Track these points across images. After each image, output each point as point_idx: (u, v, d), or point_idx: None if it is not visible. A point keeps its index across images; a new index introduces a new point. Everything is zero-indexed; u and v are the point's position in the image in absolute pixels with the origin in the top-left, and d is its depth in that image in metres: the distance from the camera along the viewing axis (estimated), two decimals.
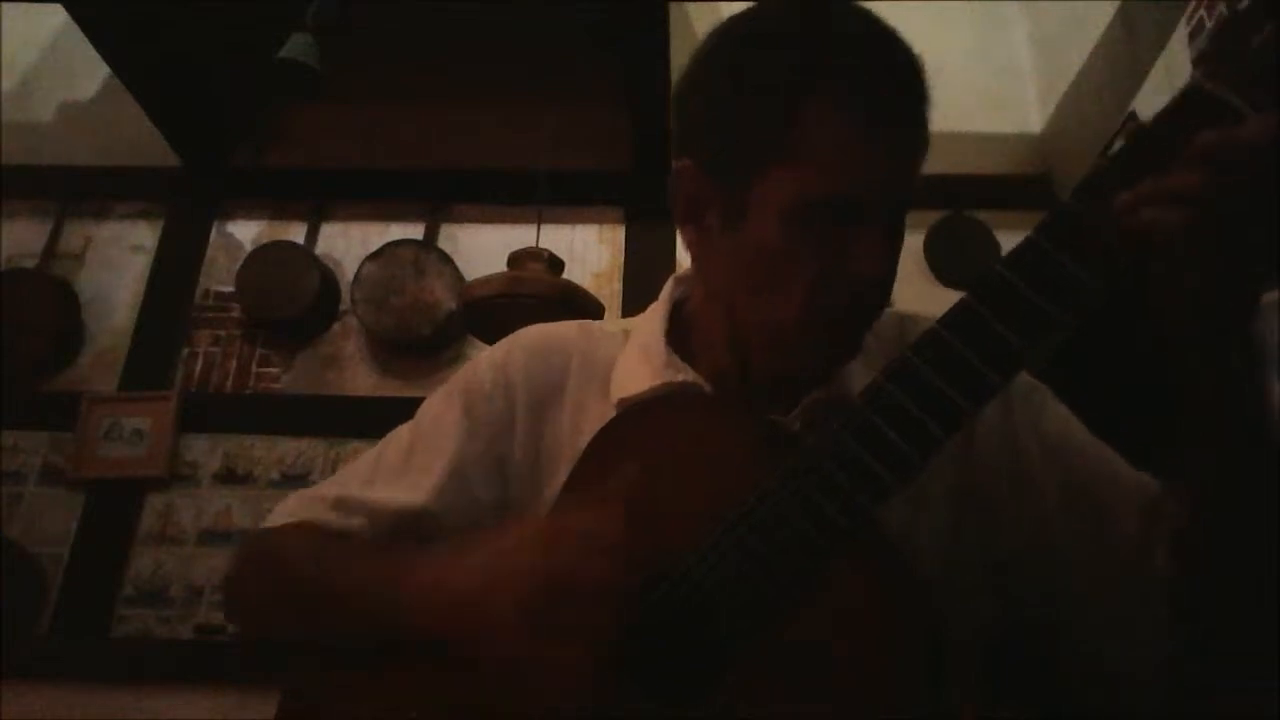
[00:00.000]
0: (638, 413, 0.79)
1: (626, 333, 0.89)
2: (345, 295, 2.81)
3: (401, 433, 0.90)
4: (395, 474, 0.86)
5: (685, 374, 0.81)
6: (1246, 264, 0.59)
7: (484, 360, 0.90)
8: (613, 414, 0.81)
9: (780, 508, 0.66)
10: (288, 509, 0.87)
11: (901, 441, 0.63)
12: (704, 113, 0.79)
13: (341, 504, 0.85)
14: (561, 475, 0.80)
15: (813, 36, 0.73)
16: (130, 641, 2.42)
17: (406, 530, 0.84)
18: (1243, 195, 0.56)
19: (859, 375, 0.79)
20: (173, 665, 2.06)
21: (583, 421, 0.83)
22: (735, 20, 0.79)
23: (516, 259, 2.43)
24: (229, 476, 2.62)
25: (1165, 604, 0.70)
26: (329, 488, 0.88)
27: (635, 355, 0.85)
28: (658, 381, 0.81)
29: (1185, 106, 0.60)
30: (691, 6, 2.97)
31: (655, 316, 0.88)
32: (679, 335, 0.85)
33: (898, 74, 0.73)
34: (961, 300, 0.64)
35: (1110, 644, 0.74)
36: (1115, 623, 0.73)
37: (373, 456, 0.90)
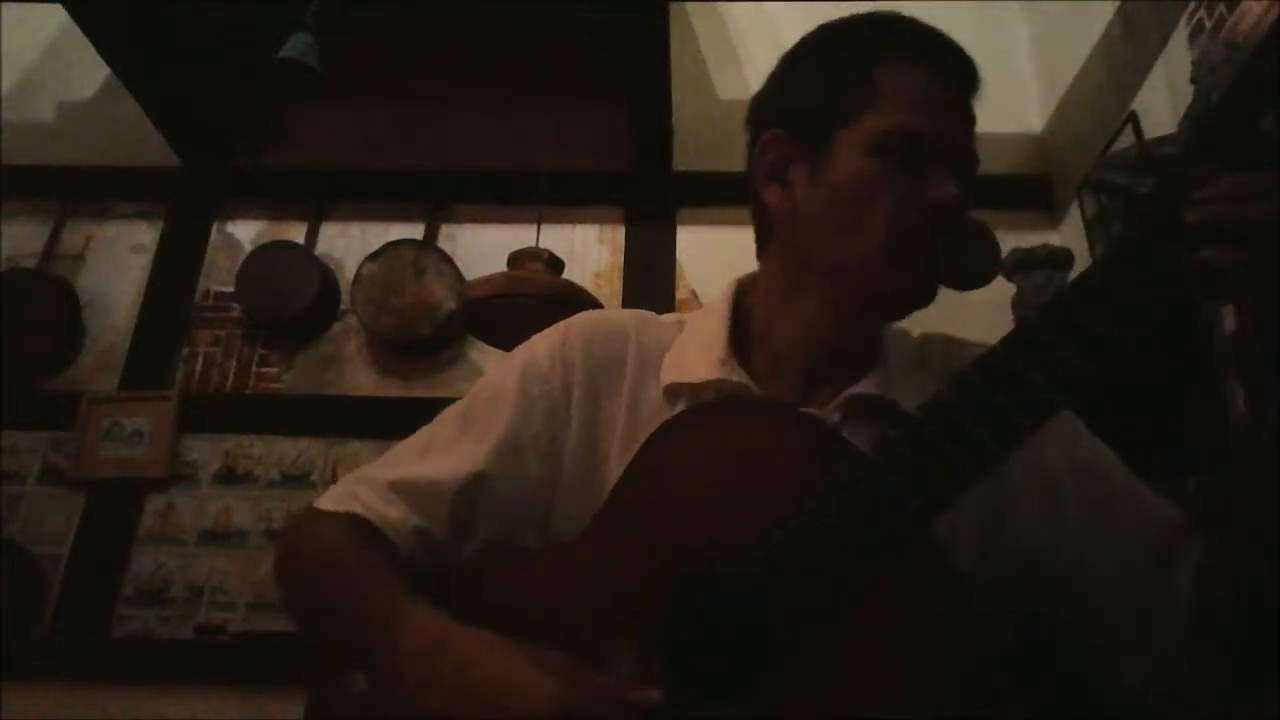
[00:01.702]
0: (691, 413, 0.80)
1: (681, 324, 0.92)
2: (345, 295, 2.82)
3: (455, 408, 0.91)
4: (450, 445, 0.87)
5: (738, 374, 0.84)
6: None
7: (541, 340, 0.92)
8: (662, 399, 0.85)
9: (836, 511, 0.67)
10: (340, 492, 0.87)
11: (960, 454, 0.65)
12: (793, 87, 0.89)
13: (393, 488, 0.85)
14: (614, 456, 0.82)
15: (889, 23, 0.87)
16: (130, 641, 2.42)
17: (458, 507, 0.84)
18: None
19: (898, 379, 0.83)
20: (173, 665, 2.06)
21: (638, 404, 0.86)
22: (815, 28, 0.91)
23: (516, 259, 2.43)
24: (229, 476, 2.62)
25: (1185, 628, 0.72)
26: (384, 469, 0.88)
27: (690, 345, 0.88)
28: (710, 376, 0.83)
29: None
30: (691, 6, 2.98)
31: (715, 313, 0.90)
32: (736, 335, 0.88)
33: (955, 51, 0.86)
34: (1024, 322, 0.66)
35: (1126, 659, 0.75)
36: (1132, 640, 0.75)
37: (426, 432, 0.91)
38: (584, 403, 0.86)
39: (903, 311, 0.85)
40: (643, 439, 0.78)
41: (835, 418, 0.81)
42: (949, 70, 0.85)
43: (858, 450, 0.70)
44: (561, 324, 0.92)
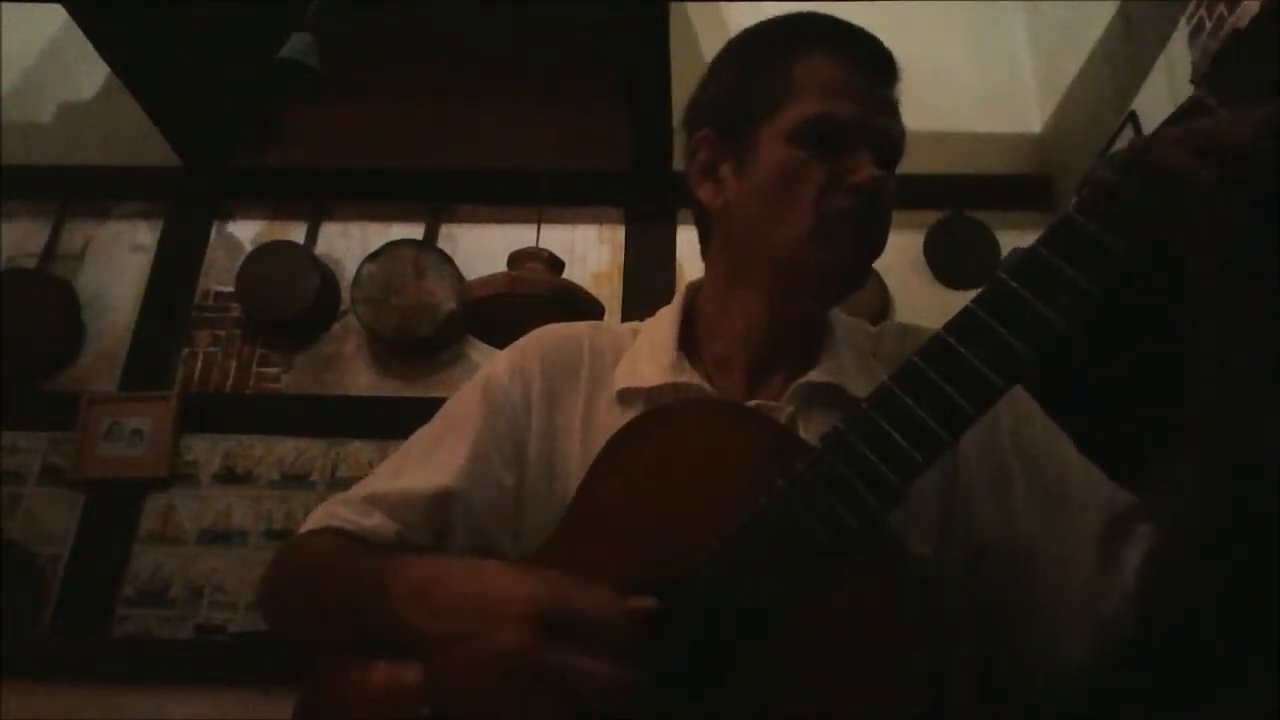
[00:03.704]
0: (643, 419, 0.81)
1: (635, 332, 0.95)
2: (345, 295, 2.82)
3: (425, 430, 0.94)
4: (421, 461, 0.90)
5: (689, 375, 0.86)
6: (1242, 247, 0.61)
7: (503, 355, 0.96)
8: (616, 404, 0.87)
9: (791, 509, 0.67)
10: (319, 513, 0.90)
11: (908, 444, 0.65)
12: (720, 88, 0.93)
13: (368, 501, 0.88)
14: (573, 462, 0.84)
15: (805, 21, 0.91)
16: (130, 641, 2.42)
17: (434, 515, 0.86)
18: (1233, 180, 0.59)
19: (846, 366, 0.85)
20: (173, 665, 2.05)
21: (591, 412, 0.88)
22: (740, 31, 0.96)
23: (516, 259, 2.43)
24: (229, 476, 2.62)
25: (1124, 608, 0.72)
26: (361, 486, 0.91)
27: (643, 351, 0.90)
28: (663, 380, 0.86)
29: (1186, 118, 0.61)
30: (691, 6, 2.97)
31: (666, 319, 0.94)
32: (687, 339, 0.91)
33: (872, 43, 0.90)
34: (966, 307, 0.66)
35: (1065, 632, 0.75)
36: (1073, 611, 0.75)
37: (402, 451, 0.94)
38: (542, 412, 0.90)
39: (837, 293, 0.88)
40: (598, 444, 0.80)
41: (790, 407, 0.83)
42: (865, 60, 0.88)
43: (810, 445, 0.70)
44: (523, 338, 0.97)
